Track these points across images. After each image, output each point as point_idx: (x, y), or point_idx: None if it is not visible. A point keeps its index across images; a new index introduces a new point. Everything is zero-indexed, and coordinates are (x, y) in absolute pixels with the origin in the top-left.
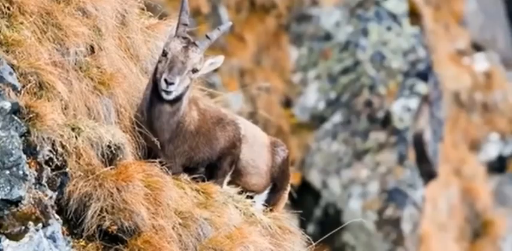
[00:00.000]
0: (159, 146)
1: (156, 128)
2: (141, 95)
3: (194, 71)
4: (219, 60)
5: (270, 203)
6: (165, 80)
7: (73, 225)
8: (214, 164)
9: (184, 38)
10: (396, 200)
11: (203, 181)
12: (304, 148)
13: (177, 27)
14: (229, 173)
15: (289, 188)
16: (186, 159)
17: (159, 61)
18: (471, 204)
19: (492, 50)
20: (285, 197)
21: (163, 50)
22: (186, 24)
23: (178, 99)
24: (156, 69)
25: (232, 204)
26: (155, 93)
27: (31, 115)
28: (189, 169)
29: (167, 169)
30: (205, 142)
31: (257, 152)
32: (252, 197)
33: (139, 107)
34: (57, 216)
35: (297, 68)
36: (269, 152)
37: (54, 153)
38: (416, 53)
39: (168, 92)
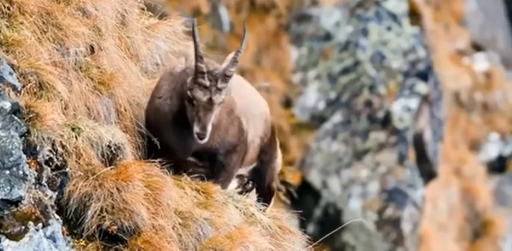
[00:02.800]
0: (159, 146)
1: (182, 127)
2: (170, 88)
3: (221, 103)
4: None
5: (266, 179)
6: (198, 135)
7: (73, 225)
8: (220, 161)
9: (206, 87)
10: (396, 200)
11: (202, 179)
12: (304, 148)
13: (197, 76)
14: (235, 174)
15: (278, 159)
16: (198, 148)
17: (185, 98)
18: (471, 204)
19: (492, 50)
20: (276, 168)
21: (188, 95)
22: (204, 73)
23: None
24: (184, 98)
25: (232, 204)
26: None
27: (31, 115)
28: (196, 154)
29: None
30: (220, 134)
31: (255, 126)
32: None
33: (166, 104)
34: (57, 216)
35: (297, 68)
36: (264, 122)
37: (54, 153)
38: (416, 53)
39: (201, 141)
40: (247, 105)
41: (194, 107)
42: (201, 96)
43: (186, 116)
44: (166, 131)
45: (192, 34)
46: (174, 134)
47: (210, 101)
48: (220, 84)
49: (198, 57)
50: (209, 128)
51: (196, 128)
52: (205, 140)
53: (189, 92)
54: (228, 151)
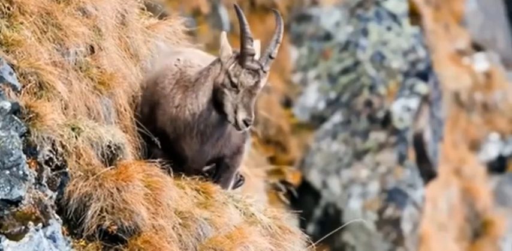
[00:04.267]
0: (159, 145)
1: (207, 132)
2: (186, 94)
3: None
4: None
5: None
6: (245, 122)
7: (73, 225)
8: (225, 164)
9: (254, 69)
10: (396, 200)
11: (202, 179)
12: (304, 148)
13: (244, 59)
14: (235, 174)
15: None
16: (214, 155)
17: (225, 86)
18: (471, 204)
19: (492, 50)
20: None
21: (232, 81)
22: (253, 55)
23: None
24: (221, 92)
25: (232, 204)
26: (217, 109)
27: (31, 115)
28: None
29: (169, 168)
30: (230, 138)
31: None
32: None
33: (187, 109)
34: (57, 216)
35: (297, 68)
36: None
37: (54, 153)
38: (416, 53)
39: (245, 129)
40: None
41: (238, 94)
42: (250, 80)
43: (213, 118)
44: (185, 139)
45: (238, 16)
46: (196, 140)
47: (257, 85)
48: (266, 67)
49: (248, 39)
50: (253, 114)
51: (242, 115)
52: (249, 127)
53: (234, 79)
54: (233, 153)
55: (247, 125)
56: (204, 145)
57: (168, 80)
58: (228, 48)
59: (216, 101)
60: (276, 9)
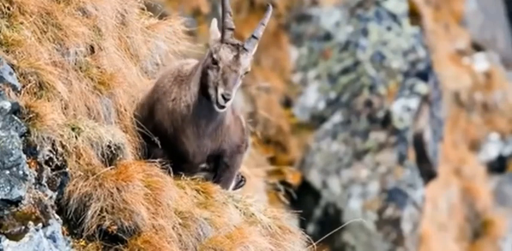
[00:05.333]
0: (159, 145)
1: (202, 123)
2: (181, 87)
3: (246, 73)
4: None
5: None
6: (223, 96)
7: (73, 225)
8: (225, 163)
9: (233, 44)
10: (396, 200)
11: (202, 179)
12: (304, 148)
13: (223, 33)
14: (237, 175)
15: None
16: (213, 150)
17: (208, 67)
18: (471, 204)
19: (492, 50)
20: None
21: (213, 58)
22: (232, 29)
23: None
24: (205, 73)
25: (232, 204)
26: (205, 96)
27: (31, 115)
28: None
29: (169, 168)
30: (229, 134)
31: None
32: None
33: (181, 102)
34: (57, 216)
35: (297, 68)
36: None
37: (54, 153)
38: (416, 53)
39: (223, 106)
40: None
41: (219, 70)
42: (228, 53)
43: (204, 107)
44: (183, 132)
45: None
46: (193, 133)
47: (237, 60)
48: (247, 45)
49: (226, 12)
50: (234, 90)
51: (220, 89)
52: (229, 103)
53: (214, 55)
54: (233, 152)
55: (225, 99)
56: (202, 138)
57: (167, 79)
58: (216, 33)
59: (203, 86)
60: (269, 4)
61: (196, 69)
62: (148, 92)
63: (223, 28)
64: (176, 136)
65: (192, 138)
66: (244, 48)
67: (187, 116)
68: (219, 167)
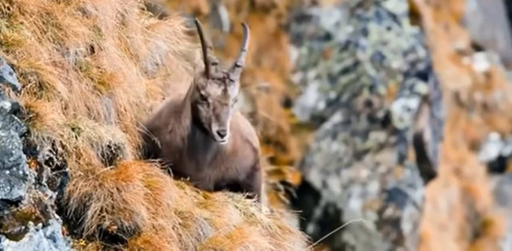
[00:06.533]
0: (159, 145)
1: (200, 154)
2: (176, 119)
3: (235, 101)
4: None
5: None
6: (219, 133)
7: (73, 225)
8: (245, 184)
9: (219, 78)
10: (396, 200)
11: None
12: (304, 148)
13: (208, 69)
14: (263, 189)
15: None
16: (220, 178)
17: (198, 102)
18: (471, 204)
19: (492, 50)
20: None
21: (201, 95)
22: (216, 63)
23: None
24: (195, 108)
25: (232, 204)
26: (198, 127)
27: (31, 115)
28: (217, 187)
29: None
30: (237, 159)
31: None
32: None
33: (177, 134)
34: (57, 216)
35: (297, 68)
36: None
37: (54, 153)
38: (416, 53)
39: (223, 141)
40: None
41: (209, 106)
42: (216, 89)
43: (198, 138)
44: (182, 164)
45: (197, 27)
46: (192, 166)
47: (226, 94)
48: (232, 76)
49: (206, 47)
50: (228, 124)
51: (215, 126)
52: (227, 138)
53: (202, 92)
54: (248, 174)
55: (221, 135)
56: (202, 169)
57: (167, 109)
58: (200, 66)
59: (196, 119)
60: (245, 24)
61: (185, 101)
62: (153, 116)
63: (206, 64)
64: (177, 167)
65: (192, 170)
66: (230, 80)
67: (183, 149)
68: (242, 187)
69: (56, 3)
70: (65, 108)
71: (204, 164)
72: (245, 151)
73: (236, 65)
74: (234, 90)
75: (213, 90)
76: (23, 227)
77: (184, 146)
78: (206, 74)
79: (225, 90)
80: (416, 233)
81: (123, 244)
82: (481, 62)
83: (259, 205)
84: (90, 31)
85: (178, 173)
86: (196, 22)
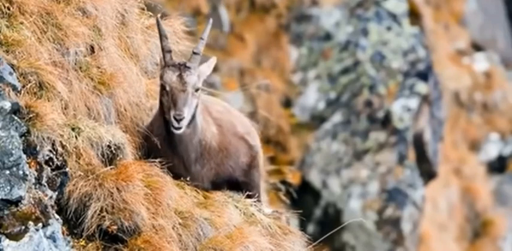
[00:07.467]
0: (159, 145)
1: (181, 151)
2: (153, 119)
3: (196, 90)
4: (212, 62)
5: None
6: (175, 118)
7: (73, 225)
8: (243, 182)
9: (174, 65)
10: (396, 200)
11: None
12: (304, 148)
13: (164, 56)
14: (262, 187)
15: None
16: (213, 175)
17: (162, 95)
18: (471, 204)
19: (492, 50)
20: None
21: (161, 85)
22: (170, 51)
23: (191, 121)
24: (161, 102)
25: (232, 204)
26: (167, 124)
27: (31, 115)
28: (216, 186)
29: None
30: (229, 156)
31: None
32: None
33: (157, 133)
34: (57, 216)
35: (297, 68)
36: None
37: (54, 153)
38: (416, 53)
39: (179, 128)
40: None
41: (168, 94)
42: (171, 75)
43: (175, 136)
44: (173, 163)
45: (156, 21)
46: (179, 164)
47: (181, 80)
48: (189, 63)
49: (162, 36)
50: (185, 110)
51: (171, 112)
52: (184, 124)
53: (161, 81)
54: (245, 171)
55: (177, 120)
56: (189, 169)
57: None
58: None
59: (163, 114)
60: (210, 18)
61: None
62: (152, 116)
63: (162, 52)
64: (171, 167)
65: (181, 170)
66: (186, 66)
67: (167, 150)
68: (241, 185)
69: (56, 3)
70: (65, 108)
71: (190, 162)
72: (239, 148)
73: (193, 52)
74: (191, 76)
75: (169, 76)
76: (23, 227)
77: (167, 148)
78: (163, 62)
79: (180, 76)
80: (416, 233)
81: (123, 244)
82: (481, 62)
83: (260, 205)
84: (90, 31)
85: (174, 173)
86: (157, 21)
